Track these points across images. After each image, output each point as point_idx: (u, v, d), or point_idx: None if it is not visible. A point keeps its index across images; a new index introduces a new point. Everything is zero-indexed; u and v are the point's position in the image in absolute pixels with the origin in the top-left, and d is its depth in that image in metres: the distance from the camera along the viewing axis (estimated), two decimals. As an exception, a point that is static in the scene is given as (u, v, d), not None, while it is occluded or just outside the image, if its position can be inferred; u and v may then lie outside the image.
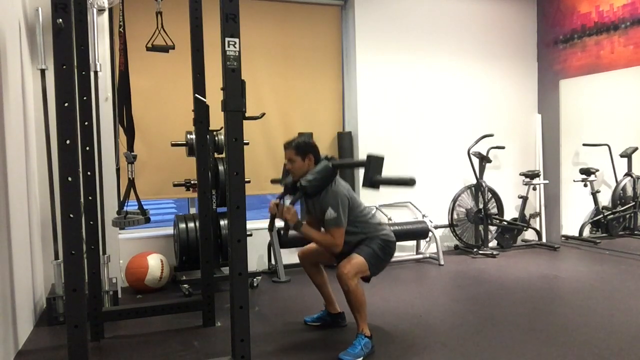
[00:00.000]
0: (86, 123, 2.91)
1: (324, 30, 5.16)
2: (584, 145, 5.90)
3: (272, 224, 3.07)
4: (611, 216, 5.88)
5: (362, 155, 5.12)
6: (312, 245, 3.20)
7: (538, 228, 5.80)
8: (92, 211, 2.99)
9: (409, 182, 2.63)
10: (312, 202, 3.02)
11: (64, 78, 1.96)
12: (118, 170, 3.96)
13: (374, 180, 2.67)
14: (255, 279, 4.23)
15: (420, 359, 2.80)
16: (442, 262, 4.93)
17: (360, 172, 3.08)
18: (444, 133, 5.47)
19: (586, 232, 5.94)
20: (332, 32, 5.20)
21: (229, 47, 2.15)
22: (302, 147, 2.98)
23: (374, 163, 2.69)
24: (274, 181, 3.04)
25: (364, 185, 2.74)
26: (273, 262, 4.64)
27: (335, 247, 2.88)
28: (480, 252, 5.27)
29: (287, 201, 3.00)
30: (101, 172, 3.45)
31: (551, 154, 5.82)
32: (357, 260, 2.86)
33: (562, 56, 5.64)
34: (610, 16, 5.12)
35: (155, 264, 4.10)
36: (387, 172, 5.35)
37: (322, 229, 3.02)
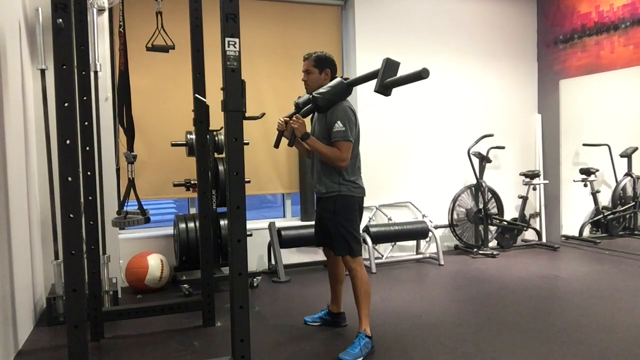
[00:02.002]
0: (86, 123, 2.91)
1: (324, 30, 5.16)
2: (584, 145, 5.89)
3: (278, 141, 2.97)
4: (611, 216, 5.88)
5: (361, 154, 5.11)
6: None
7: (538, 228, 5.80)
8: (92, 211, 2.99)
9: (421, 74, 2.41)
10: (317, 121, 2.97)
11: (64, 78, 1.96)
12: (118, 170, 3.97)
13: (387, 83, 2.53)
14: (255, 279, 4.23)
15: (420, 359, 2.80)
16: (442, 262, 4.93)
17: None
18: (444, 133, 5.47)
19: (586, 232, 5.94)
20: (332, 32, 5.20)
21: (229, 47, 2.15)
22: (321, 60, 2.97)
23: (390, 65, 2.56)
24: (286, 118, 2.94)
25: (375, 89, 2.58)
26: (273, 262, 4.64)
27: (341, 161, 2.82)
28: (480, 252, 5.27)
29: None
30: (101, 172, 3.45)
31: (551, 154, 5.82)
32: (349, 254, 2.88)
33: (562, 56, 5.64)
34: (610, 16, 5.12)
35: (155, 264, 4.10)
36: (385, 170, 5.33)
37: None
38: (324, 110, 2.87)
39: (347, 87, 2.85)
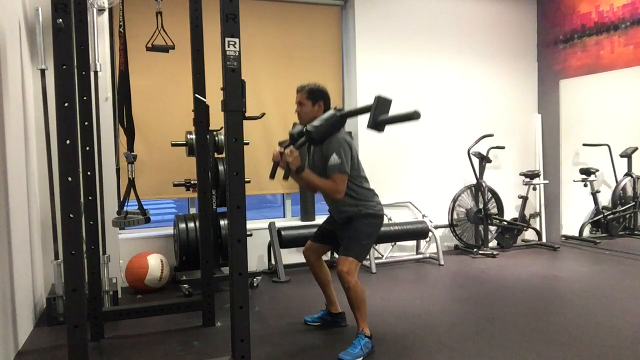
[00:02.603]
0: (86, 123, 2.91)
1: (324, 30, 5.16)
2: (584, 145, 5.89)
3: (274, 171, 2.96)
4: (611, 216, 5.88)
5: (361, 154, 5.09)
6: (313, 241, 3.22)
7: (538, 228, 5.80)
8: (92, 211, 2.99)
9: (413, 116, 2.50)
10: (314, 153, 2.98)
11: (64, 78, 1.96)
12: (118, 170, 3.96)
13: (379, 121, 2.58)
14: (255, 279, 4.23)
15: (420, 359, 2.80)
16: (442, 262, 4.93)
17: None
18: (444, 133, 5.47)
19: (586, 232, 5.94)
20: (332, 32, 5.20)
21: (229, 47, 2.15)
22: (314, 92, 2.98)
23: (382, 103, 2.61)
24: (282, 143, 2.97)
25: (368, 126, 2.62)
26: (273, 262, 4.64)
27: (336, 193, 2.83)
28: (480, 252, 5.27)
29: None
30: (101, 172, 3.45)
31: (551, 154, 5.82)
32: (350, 259, 2.85)
33: (562, 56, 5.64)
34: (610, 16, 5.12)
35: (155, 264, 4.10)
36: (385, 170, 5.34)
37: None
38: (318, 144, 2.89)
39: (341, 119, 2.87)
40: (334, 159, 2.80)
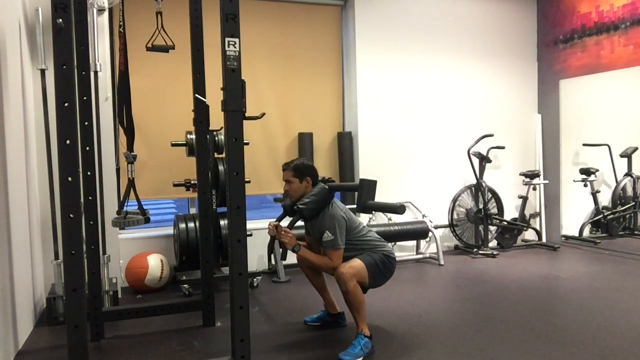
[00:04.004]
0: (86, 123, 2.91)
1: (324, 30, 5.16)
2: (584, 145, 5.89)
3: (271, 245, 3.16)
4: (611, 216, 5.88)
5: (361, 154, 5.12)
6: (305, 243, 3.22)
7: (538, 228, 5.80)
8: (92, 211, 2.99)
9: (398, 210, 2.75)
10: (311, 224, 3.06)
11: (64, 78, 1.96)
12: (118, 170, 3.96)
13: (366, 206, 2.78)
14: (255, 279, 4.23)
15: (420, 359, 2.80)
16: (442, 262, 4.93)
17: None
18: (444, 133, 5.47)
19: (586, 232, 5.94)
20: (332, 32, 5.20)
21: (229, 47, 2.15)
22: (300, 170, 3.01)
23: (367, 187, 2.78)
24: (276, 200, 3.12)
25: (357, 209, 2.87)
26: (273, 262, 4.64)
27: (333, 269, 2.89)
28: (480, 252, 5.27)
29: (286, 223, 3.05)
30: (101, 172, 3.45)
31: (551, 154, 5.82)
32: (356, 263, 2.86)
33: (562, 56, 5.64)
34: (610, 16, 5.12)
35: (155, 264, 4.10)
36: (385, 170, 5.34)
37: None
38: (310, 219, 3.00)
39: (330, 192, 2.98)
40: (327, 236, 2.87)
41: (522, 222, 5.60)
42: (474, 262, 5.04)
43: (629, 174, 5.97)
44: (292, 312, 3.60)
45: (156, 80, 4.51)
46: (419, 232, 5.01)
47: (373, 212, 2.87)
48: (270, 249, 3.08)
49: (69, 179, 1.97)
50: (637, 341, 2.94)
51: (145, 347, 3.02)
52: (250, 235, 3.06)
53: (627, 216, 6.02)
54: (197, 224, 3.75)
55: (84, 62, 2.88)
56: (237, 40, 2.16)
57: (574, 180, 5.79)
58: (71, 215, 1.98)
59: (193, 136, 3.45)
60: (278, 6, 4.95)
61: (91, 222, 2.99)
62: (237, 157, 2.20)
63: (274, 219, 3.14)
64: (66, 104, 1.96)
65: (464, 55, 5.52)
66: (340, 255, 2.90)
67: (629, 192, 6.02)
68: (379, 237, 3.11)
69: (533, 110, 5.93)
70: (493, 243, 5.55)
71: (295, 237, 2.94)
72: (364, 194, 2.76)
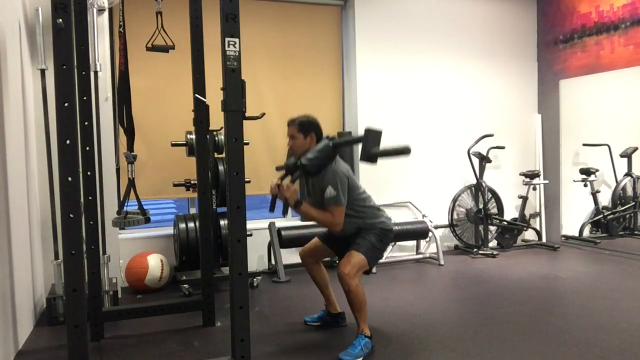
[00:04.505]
0: (86, 123, 2.91)
1: (324, 30, 5.16)
2: (584, 145, 5.89)
3: (273, 204, 3.01)
4: (611, 216, 5.88)
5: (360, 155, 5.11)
6: (313, 243, 3.21)
7: (538, 228, 5.80)
8: (92, 211, 2.99)
9: (404, 151, 2.59)
10: (312, 183, 3.00)
11: (64, 78, 1.96)
12: (118, 170, 3.96)
13: (371, 154, 2.64)
14: (255, 279, 4.23)
15: (420, 359, 2.80)
16: (442, 262, 4.93)
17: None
18: (444, 133, 5.47)
19: (586, 232, 5.94)
20: (332, 32, 5.20)
21: (229, 47, 2.15)
22: (305, 125, 2.99)
23: (372, 136, 2.66)
24: (278, 168, 3.02)
25: (361, 159, 2.70)
26: (273, 262, 4.64)
27: (335, 225, 2.86)
28: (480, 252, 5.27)
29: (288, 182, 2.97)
30: (101, 172, 3.45)
31: (551, 154, 5.82)
32: (356, 259, 2.85)
33: (562, 56, 5.64)
34: (610, 16, 5.12)
35: (155, 264, 4.10)
36: (385, 170, 5.33)
37: None
38: (313, 175, 2.93)
39: (334, 149, 2.91)
40: (330, 191, 2.83)
41: (522, 222, 5.60)
42: (474, 262, 5.04)
43: (629, 174, 5.97)
44: (292, 312, 3.60)
45: (156, 80, 4.51)
46: (419, 232, 5.01)
47: (377, 161, 2.67)
48: (272, 209, 3.00)
49: (69, 179, 1.97)
50: (637, 341, 2.94)
51: (145, 347, 3.02)
52: (250, 235, 3.05)
53: (627, 216, 6.02)
54: (197, 224, 3.75)
55: (84, 62, 2.88)
56: (237, 40, 2.16)
57: (574, 180, 5.79)
58: (71, 215, 1.98)
59: (193, 136, 3.45)
60: (278, 6, 4.95)
61: (91, 222, 2.99)
62: (237, 157, 2.20)
63: (278, 177, 3.02)
64: (66, 104, 1.96)
65: (464, 55, 5.52)
66: (342, 213, 2.86)
67: (629, 192, 6.02)
68: (377, 205, 3.07)
69: (533, 110, 5.93)
70: (493, 243, 5.55)
71: (297, 192, 2.86)
72: (369, 143, 2.64)
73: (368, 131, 2.68)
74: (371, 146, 2.64)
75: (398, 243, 5.13)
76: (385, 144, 2.71)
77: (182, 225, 4.14)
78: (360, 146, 2.69)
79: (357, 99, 5.09)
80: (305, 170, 2.86)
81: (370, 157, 2.66)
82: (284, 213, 2.99)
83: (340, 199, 2.83)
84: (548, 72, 5.79)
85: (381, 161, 5.24)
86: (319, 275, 3.23)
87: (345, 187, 2.87)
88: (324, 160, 2.87)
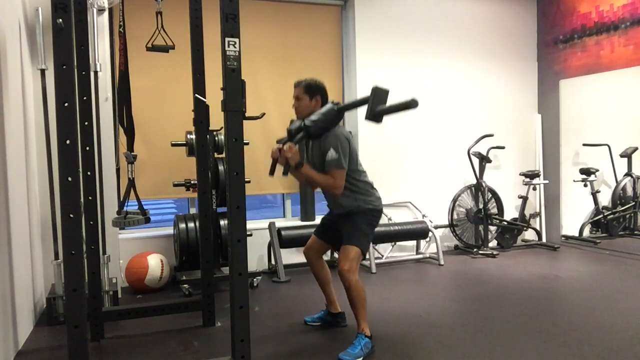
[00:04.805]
0: (86, 123, 2.91)
1: (324, 30, 5.16)
2: (584, 145, 5.89)
3: (273, 168, 2.96)
4: (611, 216, 5.88)
5: (361, 154, 5.09)
6: (311, 239, 3.22)
7: (538, 228, 5.80)
8: (92, 211, 2.99)
9: (411, 104, 2.45)
10: (312, 147, 2.99)
11: (64, 78, 1.96)
12: (118, 170, 3.96)
13: (377, 111, 2.57)
14: (255, 279, 4.23)
15: (420, 359, 2.80)
16: (442, 262, 4.93)
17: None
18: (444, 133, 5.47)
19: (586, 232, 5.94)
20: (332, 32, 5.20)
21: (229, 47, 2.15)
22: (312, 87, 2.99)
23: (379, 94, 2.59)
24: (279, 141, 2.97)
25: (366, 118, 2.62)
26: (273, 262, 4.64)
27: (335, 188, 2.84)
28: (480, 252, 5.27)
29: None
30: (101, 172, 3.45)
31: (551, 154, 5.82)
32: (352, 253, 2.85)
33: (562, 56, 5.64)
34: (610, 16, 5.12)
35: (155, 264, 4.10)
36: (385, 170, 5.32)
37: None
38: (316, 138, 2.91)
39: (338, 113, 2.88)
40: (332, 154, 2.81)
41: (522, 222, 5.60)
42: (474, 262, 5.04)
43: (629, 174, 5.97)
44: (292, 312, 3.60)
45: (156, 80, 4.51)
46: (419, 232, 5.01)
47: (382, 119, 2.57)
48: (272, 172, 2.96)
49: (69, 179, 1.97)
50: (637, 341, 2.94)
51: (145, 347, 3.02)
52: (250, 235, 3.06)
53: (627, 216, 6.03)
54: (197, 224, 3.75)
55: (84, 62, 2.88)
56: (237, 40, 2.16)
57: (574, 180, 5.79)
58: (71, 215, 1.97)
59: (193, 136, 3.45)
60: (278, 6, 4.95)
61: (91, 222, 2.99)
62: (237, 157, 2.20)
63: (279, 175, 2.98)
64: (66, 104, 1.96)
65: (464, 55, 5.52)
66: (343, 176, 2.84)
67: (629, 192, 6.02)
68: (372, 183, 3.04)
69: (533, 110, 5.93)
70: (493, 243, 5.55)
71: (299, 154, 2.84)
72: (375, 101, 2.57)
73: (376, 89, 2.60)
74: (377, 104, 2.57)
75: (398, 243, 5.13)
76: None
77: (182, 225, 4.14)
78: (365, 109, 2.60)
79: (357, 98, 5.08)
80: (308, 132, 2.84)
81: (376, 114, 2.58)
82: (285, 173, 2.93)
83: (342, 162, 2.82)
84: (548, 72, 5.79)
85: (381, 161, 5.29)
86: (321, 272, 3.23)
87: (347, 152, 2.86)
88: (327, 124, 2.85)
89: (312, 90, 2.99)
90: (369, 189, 2.99)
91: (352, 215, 2.94)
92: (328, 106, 2.88)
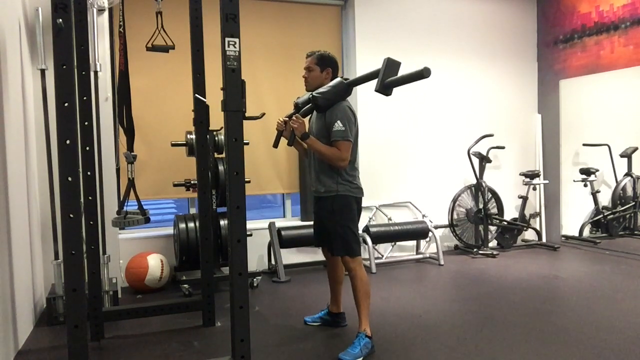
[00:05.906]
0: (86, 123, 2.91)
1: (324, 30, 5.16)
2: (584, 145, 5.90)
3: (277, 140, 2.99)
4: (611, 216, 5.88)
5: (361, 154, 5.10)
6: None
7: (538, 228, 5.80)
8: (92, 211, 2.99)
9: (423, 74, 2.39)
10: (315, 121, 2.98)
11: (64, 78, 1.96)
12: (118, 170, 3.96)
13: (387, 82, 2.53)
14: (255, 279, 4.23)
15: (420, 359, 2.80)
16: (442, 262, 4.93)
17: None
18: (444, 133, 5.47)
19: (586, 232, 5.94)
20: (332, 32, 5.20)
21: (229, 47, 2.15)
22: (324, 59, 2.99)
23: (391, 65, 2.56)
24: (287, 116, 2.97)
25: (376, 89, 2.58)
26: (273, 262, 4.64)
27: (341, 160, 2.82)
28: (480, 252, 5.27)
29: None
30: (101, 172, 3.45)
31: (551, 154, 5.82)
32: (349, 264, 2.88)
33: (562, 56, 5.64)
34: (610, 16, 5.12)
35: (155, 264, 4.10)
36: (385, 170, 5.32)
37: None
38: (323, 110, 2.88)
39: (347, 87, 2.87)
40: (339, 125, 2.80)
41: (522, 222, 5.61)
42: (474, 262, 5.04)
43: (629, 174, 5.97)
44: (292, 312, 3.60)
45: (156, 80, 4.51)
46: (419, 232, 5.01)
47: (392, 91, 2.52)
48: (276, 145, 2.96)
49: (69, 179, 1.97)
50: (637, 341, 2.94)
51: (145, 347, 3.02)
52: (250, 235, 3.06)
53: (627, 216, 6.03)
54: (197, 224, 3.75)
55: (84, 62, 2.88)
56: (237, 40, 2.16)
57: (574, 180, 5.79)
58: (71, 215, 1.98)
59: (193, 136, 3.45)
60: (278, 6, 4.95)
61: (91, 222, 2.99)
62: (237, 157, 2.20)
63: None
64: (66, 104, 1.96)
65: (463, 55, 5.52)
66: (349, 148, 2.82)
67: (629, 192, 6.02)
68: (357, 170, 2.99)
69: (533, 110, 5.93)
70: (493, 243, 5.55)
71: (305, 125, 2.84)
72: (386, 72, 2.53)
73: (388, 60, 2.56)
74: (388, 75, 2.54)
75: (398, 243, 5.14)
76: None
77: (182, 225, 4.14)
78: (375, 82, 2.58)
79: (357, 99, 5.09)
80: (316, 103, 2.83)
81: (386, 86, 2.54)
82: (290, 143, 2.95)
83: (348, 134, 2.81)
84: (548, 72, 5.79)
85: (381, 161, 5.29)
86: (335, 270, 3.22)
87: (353, 126, 2.86)
88: (335, 96, 2.84)
89: (324, 62, 2.99)
90: (355, 176, 2.96)
91: (332, 206, 2.89)
92: (337, 80, 2.88)
